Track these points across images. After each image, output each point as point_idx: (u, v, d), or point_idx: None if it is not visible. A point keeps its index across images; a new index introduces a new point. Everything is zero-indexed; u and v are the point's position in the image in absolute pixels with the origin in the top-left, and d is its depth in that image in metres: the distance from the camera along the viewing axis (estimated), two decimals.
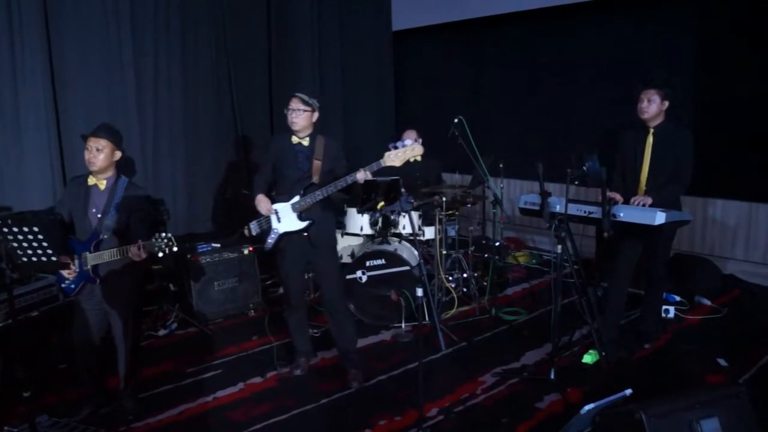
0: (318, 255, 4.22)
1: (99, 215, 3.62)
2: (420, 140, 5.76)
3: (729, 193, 6.29)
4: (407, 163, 4.03)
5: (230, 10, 6.86)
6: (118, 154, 3.70)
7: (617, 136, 4.58)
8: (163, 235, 3.42)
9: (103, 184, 3.65)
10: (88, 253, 3.53)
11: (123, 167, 5.56)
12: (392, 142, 4.07)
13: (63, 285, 3.65)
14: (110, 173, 3.68)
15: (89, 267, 3.55)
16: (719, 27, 6.19)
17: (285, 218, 4.13)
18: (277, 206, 4.14)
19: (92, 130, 3.62)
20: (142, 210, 3.70)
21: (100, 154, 3.57)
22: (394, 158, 3.90)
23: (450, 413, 3.77)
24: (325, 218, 4.21)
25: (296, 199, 4.08)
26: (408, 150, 3.90)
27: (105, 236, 3.58)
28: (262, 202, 4.15)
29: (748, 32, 5.97)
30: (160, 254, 3.42)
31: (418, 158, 4.08)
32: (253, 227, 4.29)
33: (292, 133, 4.12)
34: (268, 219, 4.19)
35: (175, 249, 3.44)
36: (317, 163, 4.10)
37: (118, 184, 3.67)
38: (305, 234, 4.13)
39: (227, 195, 6.93)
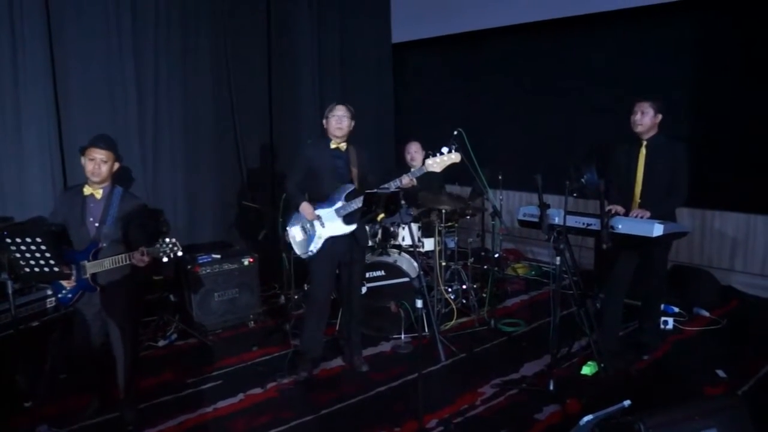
0: (360, 253, 4.47)
1: (97, 224, 3.64)
2: (423, 152, 5.81)
3: (727, 204, 6.32)
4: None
5: (230, 23, 6.90)
6: (117, 165, 3.74)
7: (610, 150, 4.61)
8: (168, 240, 3.47)
9: (99, 194, 3.68)
10: (86, 261, 3.54)
11: (120, 177, 5.64)
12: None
13: (59, 295, 3.65)
14: (107, 183, 3.72)
15: (88, 275, 3.56)
16: (717, 39, 6.24)
17: (329, 223, 4.24)
18: (321, 212, 4.25)
19: (92, 142, 3.64)
20: (141, 218, 3.74)
21: (104, 165, 3.61)
22: (434, 165, 4.14)
23: (449, 425, 3.77)
24: (362, 221, 4.39)
25: (339, 204, 4.22)
26: (447, 157, 4.14)
27: (104, 245, 3.61)
28: (307, 209, 4.27)
29: (745, 44, 6.02)
30: (165, 259, 3.48)
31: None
32: (296, 232, 4.38)
33: (328, 139, 4.27)
34: (312, 224, 4.27)
35: (180, 253, 3.50)
36: (354, 170, 4.29)
37: (113, 194, 3.70)
38: (354, 236, 4.29)
39: (228, 206, 6.95)
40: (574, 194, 3.98)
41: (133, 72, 6.09)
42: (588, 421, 3.12)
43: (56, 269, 3.30)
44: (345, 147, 4.33)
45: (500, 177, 6.13)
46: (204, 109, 6.77)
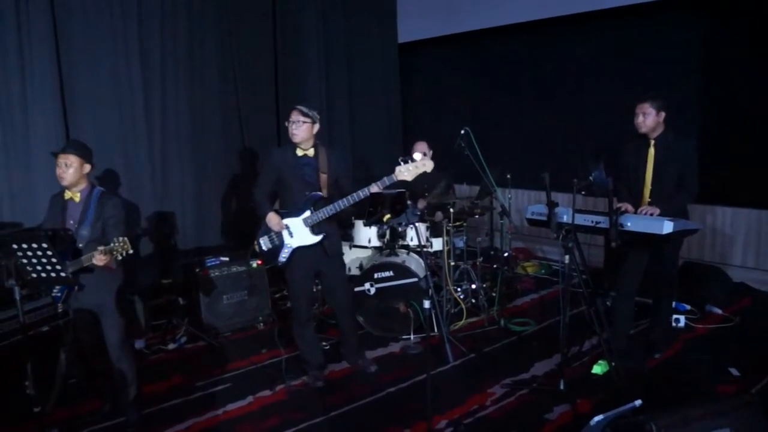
0: (331, 264, 4.30)
1: (76, 225, 3.70)
2: (431, 152, 5.78)
3: (739, 200, 6.27)
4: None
5: (237, 26, 6.92)
6: (88, 167, 3.77)
7: (618, 149, 4.58)
8: (120, 239, 3.43)
9: (77, 197, 3.75)
10: (67, 261, 3.57)
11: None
12: (402, 154, 4.09)
13: (52, 294, 3.70)
14: (83, 185, 3.77)
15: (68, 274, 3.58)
16: (724, 35, 6.19)
17: (297, 233, 4.17)
18: (288, 221, 4.17)
19: (62, 148, 3.74)
20: (114, 216, 3.73)
21: (69, 168, 3.66)
22: (405, 172, 3.93)
23: (459, 425, 3.75)
24: (333, 229, 4.29)
25: (307, 213, 4.11)
26: (419, 164, 3.93)
27: (81, 245, 3.64)
28: (273, 219, 4.17)
29: (753, 40, 5.96)
30: (119, 257, 3.45)
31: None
32: (264, 243, 4.29)
33: (295, 145, 4.14)
34: (279, 234, 4.20)
35: (130, 252, 3.44)
36: (323, 176, 4.14)
37: (92, 195, 3.76)
38: (322, 246, 4.18)
39: (236, 209, 6.96)
40: (583, 192, 3.93)
41: (140, 77, 6.13)
42: (599, 421, 3.10)
43: (62, 274, 3.31)
44: (313, 152, 4.16)
45: (508, 176, 6.11)
46: (211, 111, 6.80)
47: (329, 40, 8.03)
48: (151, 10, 6.19)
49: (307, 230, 4.14)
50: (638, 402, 3.22)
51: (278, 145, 7.30)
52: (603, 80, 7.03)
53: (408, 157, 3.96)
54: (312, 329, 4.47)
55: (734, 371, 4.26)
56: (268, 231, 4.24)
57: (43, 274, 3.29)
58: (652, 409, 3.08)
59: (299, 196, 4.15)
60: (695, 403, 3.08)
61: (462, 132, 5.15)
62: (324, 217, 4.07)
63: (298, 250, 4.19)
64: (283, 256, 4.21)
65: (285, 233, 4.18)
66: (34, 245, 3.19)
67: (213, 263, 5.42)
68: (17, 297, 3.19)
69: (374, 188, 3.94)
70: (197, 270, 5.34)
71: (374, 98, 8.64)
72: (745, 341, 4.85)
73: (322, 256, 4.24)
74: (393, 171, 3.94)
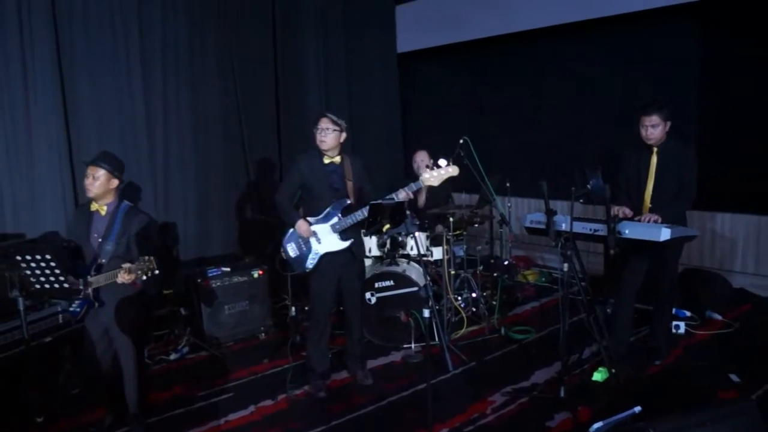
0: (354, 270, 4.40)
1: (99, 240, 3.68)
2: (432, 161, 5.80)
3: (737, 206, 6.28)
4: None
5: (236, 35, 6.95)
6: (115, 182, 3.76)
7: (619, 157, 4.60)
8: (147, 258, 3.39)
9: (103, 210, 3.73)
10: (89, 277, 3.57)
11: (129, 193, 5.69)
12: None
13: (70, 309, 3.67)
14: (110, 199, 3.75)
15: (90, 291, 3.59)
16: (723, 42, 6.22)
17: (325, 239, 4.22)
18: (316, 228, 4.23)
19: (93, 158, 3.71)
20: (141, 234, 3.71)
21: (96, 182, 3.66)
22: (431, 179, 4.04)
23: None
24: (358, 235, 4.36)
25: (335, 219, 4.19)
26: (445, 171, 4.03)
27: (103, 260, 3.63)
28: (302, 226, 4.22)
29: (752, 45, 6.00)
30: (144, 277, 3.41)
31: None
32: (291, 249, 4.34)
33: (321, 153, 4.19)
34: (307, 241, 4.25)
35: (156, 272, 3.41)
36: (350, 183, 4.23)
37: (119, 209, 3.74)
38: (350, 251, 4.25)
39: (238, 218, 6.99)
40: (581, 200, 3.96)
41: (141, 87, 6.16)
42: (599, 428, 3.11)
43: (66, 285, 3.34)
44: (339, 160, 4.26)
45: (508, 184, 6.14)
46: (212, 121, 6.82)
47: (329, 50, 8.06)
48: (152, 20, 6.22)
49: (335, 236, 4.21)
50: (638, 409, 3.24)
51: (280, 156, 7.37)
52: (601, 88, 7.06)
53: (434, 164, 4.05)
54: (327, 337, 4.48)
55: (734, 377, 4.26)
56: (294, 237, 4.31)
57: (47, 285, 3.32)
58: (652, 415, 3.08)
59: (326, 202, 4.23)
60: (695, 409, 3.08)
61: (461, 141, 5.17)
62: (352, 223, 4.15)
63: (325, 257, 4.25)
64: (311, 262, 4.26)
65: (313, 240, 4.24)
66: (38, 256, 3.22)
67: (214, 273, 5.43)
68: (21, 308, 3.22)
69: (402, 194, 4.03)
70: (199, 280, 5.35)
71: (374, 108, 8.67)
72: (746, 347, 4.85)
73: (348, 262, 4.32)
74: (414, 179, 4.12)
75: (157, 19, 6.26)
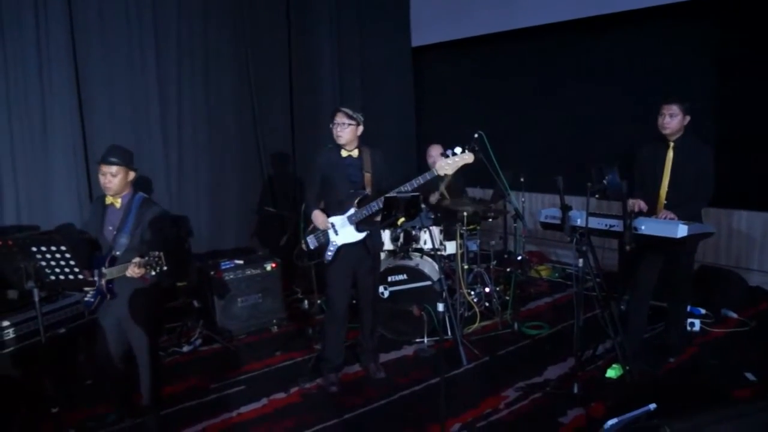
0: (370, 263, 4.38)
1: (114, 232, 3.70)
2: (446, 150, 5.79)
3: (754, 204, 6.21)
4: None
5: (252, 30, 6.97)
6: (132, 174, 3.76)
7: (635, 152, 4.56)
8: (156, 253, 3.39)
9: (118, 203, 3.73)
10: (104, 268, 3.59)
11: (141, 184, 5.71)
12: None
13: (85, 299, 3.70)
14: (125, 191, 3.76)
15: (103, 282, 3.60)
16: (739, 38, 6.15)
17: (342, 231, 4.23)
18: (334, 219, 4.25)
19: (103, 157, 3.68)
20: (155, 226, 3.71)
21: (114, 178, 3.65)
22: (446, 167, 4.01)
23: (473, 428, 3.76)
24: (376, 227, 4.34)
25: (352, 211, 4.19)
26: (459, 159, 3.99)
27: (118, 253, 3.64)
28: (319, 218, 4.27)
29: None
30: (152, 273, 3.41)
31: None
32: (311, 241, 4.38)
33: (339, 146, 4.22)
34: (325, 233, 4.27)
35: (164, 268, 3.40)
36: (368, 175, 4.24)
37: (133, 202, 3.74)
38: (365, 244, 4.25)
39: (251, 211, 7.00)
40: (596, 196, 3.92)
41: (155, 82, 6.20)
42: (613, 425, 3.08)
43: (80, 276, 3.35)
44: (357, 153, 4.27)
45: (522, 179, 6.10)
46: (226, 115, 6.86)
47: (343, 45, 8.06)
48: (167, 14, 6.26)
49: (351, 228, 4.22)
50: (652, 406, 3.21)
51: (293, 151, 7.38)
52: (617, 83, 7.00)
53: (450, 151, 4.01)
54: (345, 329, 4.47)
55: (750, 376, 4.23)
56: (315, 230, 4.33)
57: (62, 277, 3.33)
58: (666, 413, 3.05)
59: (344, 195, 4.25)
60: (710, 407, 3.06)
61: (476, 135, 5.14)
62: (368, 214, 4.15)
63: (343, 248, 4.26)
64: (329, 253, 4.27)
65: (330, 231, 4.25)
66: (53, 248, 3.23)
67: (227, 266, 5.45)
68: (36, 299, 3.23)
69: (415, 184, 4.03)
70: (212, 273, 5.37)
71: (388, 102, 8.66)
72: (761, 346, 4.81)
73: (363, 257, 4.32)
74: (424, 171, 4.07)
75: (172, 14, 6.29)
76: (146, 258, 3.40)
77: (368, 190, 4.23)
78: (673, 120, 4.23)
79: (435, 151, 5.88)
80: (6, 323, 4.20)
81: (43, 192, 5.53)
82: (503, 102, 8.24)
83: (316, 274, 5.47)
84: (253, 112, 7.09)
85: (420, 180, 4.05)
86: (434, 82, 9.21)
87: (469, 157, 4.02)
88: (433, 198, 5.62)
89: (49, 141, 5.55)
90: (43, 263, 3.28)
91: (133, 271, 3.43)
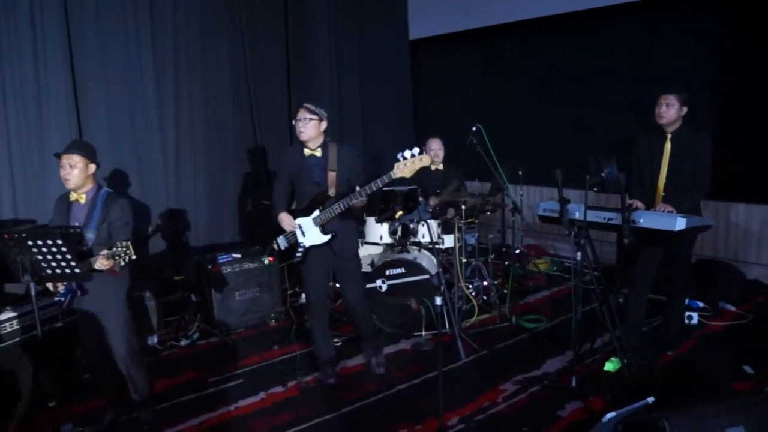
0: (342, 263, 4.28)
1: (80, 229, 3.63)
2: (443, 149, 5.78)
3: (752, 196, 6.20)
4: (427, 171, 4.02)
5: (248, 23, 6.93)
6: (93, 167, 3.66)
7: (633, 142, 4.55)
8: (123, 243, 3.32)
9: (83, 198, 3.65)
10: None
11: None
12: (408, 150, 3.99)
13: (56, 298, 3.63)
14: (88, 186, 3.67)
15: None
16: (738, 30, 6.13)
17: (309, 232, 4.18)
18: (300, 221, 4.19)
19: (64, 148, 3.61)
20: (121, 218, 3.62)
21: (73, 170, 3.56)
22: (403, 169, 3.85)
23: (471, 422, 3.76)
24: (346, 227, 4.25)
25: (316, 213, 4.12)
26: (416, 160, 3.83)
27: (84, 248, 3.54)
28: (285, 219, 4.21)
29: (766, 33, 5.90)
30: (122, 263, 3.33)
31: (440, 167, 4.06)
32: (281, 242, 4.35)
33: (303, 144, 4.14)
34: (293, 234, 4.23)
35: (133, 257, 3.32)
36: (332, 174, 4.11)
37: (98, 196, 3.66)
38: (330, 246, 4.18)
39: (248, 206, 6.98)
40: (595, 189, 3.91)
41: (152, 76, 6.17)
42: (611, 418, 3.09)
43: (76, 270, 3.33)
44: (321, 152, 4.12)
45: (520, 172, 6.09)
46: (224, 110, 6.83)
47: (341, 38, 8.03)
48: (163, 13, 6.22)
49: (317, 229, 4.15)
50: (651, 399, 3.21)
51: (290, 143, 7.34)
52: (615, 76, 6.98)
53: (401, 154, 3.85)
54: (325, 326, 4.47)
55: (748, 369, 4.23)
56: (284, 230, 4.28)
57: (58, 270, 3.31)
58: (664, 406, 3.06)
59: (308, 196, 4.17)
60: (709, 400, 3.06)
61: (474, 129, 5.14)
62: (331, 216, 4.06)
63: (312, 249, 4.20)
64: (298, 254, 4.24)
65: (298, 232, 4.21)
66: (49, 241, 3.21)
67: (225, 260, 5.44)
68: (33, 293, 3.21)
69: (374, 187, 3.89)
70: (209, 267, 5.36)
71: (386, 95, 8.64)
72: (759, 339, 4.80)
73: (331, 259, 4.25)
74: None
75: (168, 7, 6.26)
76: (113, 249, 3.32)
77: (331, 191, 4.10)
78: (669, 110, 4.21)
79: (434, 144, 5.85)
80: (7, 316, 4.16)
81: (39, 187, 5.50)
82: (501, 95, 8.22)
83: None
84: (251, 106, 7.06)
85: (378, 183, 3.90)
86: (432, 75, 9.18)
87: (426, 160, 3.87)
88: (433, 201, 5.61)
89: (45, 137, 5.51)
90: (40, 257, 3.26)
91: (101, 263, 3.35)
